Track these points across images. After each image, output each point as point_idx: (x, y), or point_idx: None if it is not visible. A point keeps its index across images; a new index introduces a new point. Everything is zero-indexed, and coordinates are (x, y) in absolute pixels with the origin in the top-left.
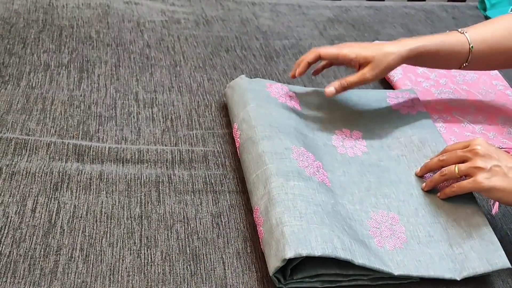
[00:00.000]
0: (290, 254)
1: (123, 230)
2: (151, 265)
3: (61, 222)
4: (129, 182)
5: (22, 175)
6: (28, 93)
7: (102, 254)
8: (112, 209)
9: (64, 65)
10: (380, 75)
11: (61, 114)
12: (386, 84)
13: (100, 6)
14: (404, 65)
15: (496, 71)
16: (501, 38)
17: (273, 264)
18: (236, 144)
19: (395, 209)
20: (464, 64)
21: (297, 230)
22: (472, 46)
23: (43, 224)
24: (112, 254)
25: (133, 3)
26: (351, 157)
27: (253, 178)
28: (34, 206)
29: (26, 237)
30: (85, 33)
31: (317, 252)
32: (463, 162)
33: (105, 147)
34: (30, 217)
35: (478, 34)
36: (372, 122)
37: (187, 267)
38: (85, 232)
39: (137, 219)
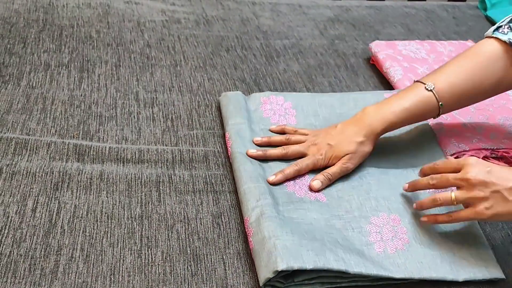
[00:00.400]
0: (282, 266)
1: (124, 230)
2: (152, 265)
3: (62, 222)
4: (130, 182)
5: (23, 175)
6: (28, 92)
7: (103, 254)
8: (113, 209)
9: (64, 64)
10: (359, 162)
11: (61, 114)
12: (387, 84)
13: (101, 5)
14: (405, 64)
15: None
16: (473, 80)
17: (264, 275)
18: (228, 151)
19: (396, 211)
20: (436, 117)
21: (289, 244)
22: (441, 104)
23: (44, 224)
24: (113, 254)
25: (134, 3)
26: None
27: (244, 189)
28: (34, 206)
29: (27, 237)
30: (86, 32)
31: (309, 265)
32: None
33: (105, 147)
34: (31, 217)
35: (446, 87)
36: None
37: (187, 267)
38: (85, 232)
39: (137, 219)
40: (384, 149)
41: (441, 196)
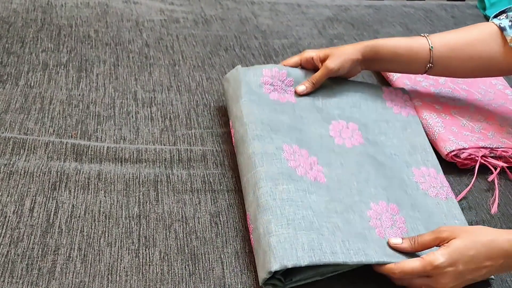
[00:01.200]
0: (275, 266)
1: (122, 229)
2: (149, 264)
3: (59, 222)
4: (128, 181)
5: (20, 174)
6: (26, 92)
7: (100, 254)
8: (111, 209)
9: (62, 64)
10: (342, 66)
11: (59, 114)
12: (386, 84)
13: (99, 5)
14: None
15: None
16: (467, 45)
17: (261, 275)
18: (233, 143)
19: (394, 200)
20: (428, 66)
21: (283, 239)
22: (432, 47)
23: (41, 224)
24: (110, 253)
25: (132, 2)
26: (349, 148)
27: (244, 181)
28: (32, 205)
29: (24, 236)
30: (84, 32)
31: (304, 262)
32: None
33: (103, 147)
34: (28, 216)
35: (441, 38)
36: (367, 117)
37: (185, 267)
38: (83, 231)
39: (135, 219)
40: (380, 144)
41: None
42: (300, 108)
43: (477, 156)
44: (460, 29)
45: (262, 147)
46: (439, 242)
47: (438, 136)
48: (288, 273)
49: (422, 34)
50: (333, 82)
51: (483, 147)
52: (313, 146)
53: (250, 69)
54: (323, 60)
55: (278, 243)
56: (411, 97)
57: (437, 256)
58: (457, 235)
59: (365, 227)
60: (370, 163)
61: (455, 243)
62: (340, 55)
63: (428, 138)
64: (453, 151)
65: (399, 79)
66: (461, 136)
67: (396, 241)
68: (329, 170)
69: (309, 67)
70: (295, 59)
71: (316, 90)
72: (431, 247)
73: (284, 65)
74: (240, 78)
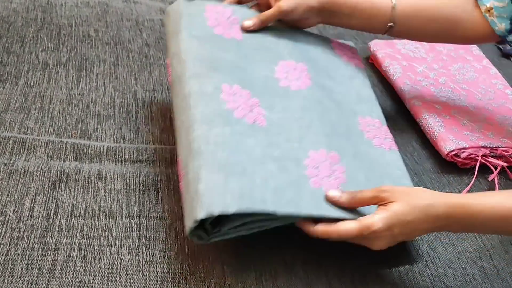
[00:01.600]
0: (201, 214)
1: (122, 229)
2: (150, 264)
3: (59, 221)
4: (128, 180)
5: (20, 174)
6: (26, 91)
7: (101, 253)
8: (111, 208)
9: (62, 63)
10: (296, 9)
11: (59, 113)
12: (386, 83)
13: (99, 4)
14: (404, 63)
15: (495, 70)
16: (434, 6)
17: (188, 224)
18: (169, 83)
19: (335, 148)
20: (389, 25)
21: (213, 185)
22: (395, 4)
23: (41, 223)
24: (111, 253)
25: (132, 2)
26: (294, 91)
27: (177, 124)
28: (32, 205)
29: (24, 236)
30: (84, 31)
31: (232, 209)
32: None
33: (103, 146)
34: (28, 216)
35: None
36: (317, 59)
37: (185, 266)
38: (83, 231)
39: (135, 218)
40: (328, 89)
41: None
42: (245, 46)
43: (477, 156)
44: None
45: (200, 86)
46: (377, 201)
47: (438, 136)
48: (215, 224)
49: None
50: (283, 26)
51: (483, 147)
52: (256, 87)
53: (193, 2)
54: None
55: (206, 190)
56: (410, 97)
57: (375, 221)
58: (396, 199)
59: (300, 176)
60: (315, 108)
61: (394, 207)
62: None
63: (428, 137)
64: (453, 150)
65: (400, 78)
66: (461, 135)
67: (334, 194)
68: (271, 113)
69: (263, 3)
70: None
71: (264, 30)
72: (369, 205)
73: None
74: (180, 11)
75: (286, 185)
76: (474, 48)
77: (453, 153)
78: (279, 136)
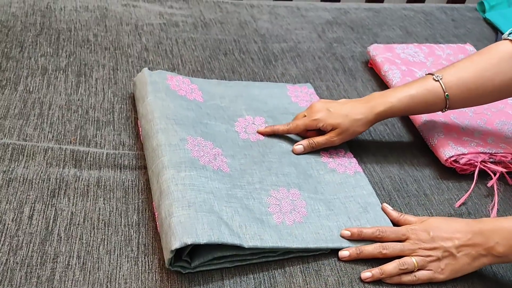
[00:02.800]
0: (175, 245)
1: (121, 237)
2: (149, 272)
3: (58, 229)
4: (127, 189)
5: (19, 181)
6: (25, 97)
7: (100, 262)
8: (110, 216)
9: (61, 69)
10: (347, 139)
11: (58, 119)
12: (385, 87)
13: (98, 9)
14: (403, 67)
15: None
16: (481, 78)
17: (165, 256)
18: (141, 141)
19: (296, 186)
20: (444, 110)
21: (184, 219)
22: (447, 95)
23: (40, 232)
24: (109, 261)
25: (131, 6)
26: (253, 142)
27: (149, 174)
28: (31, 213)
29: (23, 244)
30: (83, 36)
31: (203, 239)
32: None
33: (102, 153)
34: (27, 224)
35: (455, 79)
36: (274, 110)
37: (184, 275)
38: (82, 239)
39: (134, 227)
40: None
41: (405, 262)
42: (207, 107)
43: (477, 162)
44: (471, 57)
45: (166, 139)
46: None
47: (438, 142)
48: (196, 255)
49: (433, 75)
50: (240, 84)
51: (482, 153)
52: (218, 139)
53: (155, 72)
54: (330, 130)
55: (178, 223)
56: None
57: (409, 219)
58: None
59: (262, 213)
60: (275, 152)
61: (427, 220)
62: (347, 131)
63: (427, 143)
64: (452, 156)
65: (399, 83)
66: (460, 141)
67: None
68: (233, 161)
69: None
70: (301, 122)
71: (223, 91)
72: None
73: (292, 130)
74: (145, 80)
75: (251, 221)
76: (474, 51)
77: (452, 159)
78: (241, 179)
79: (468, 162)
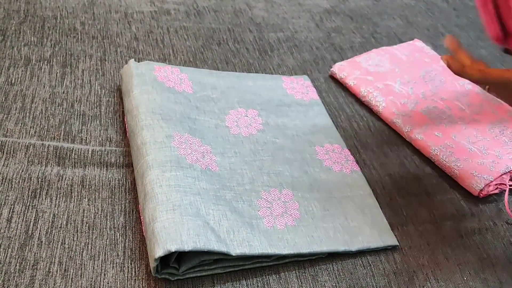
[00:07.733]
0: (159, 252)
1: (106, 241)
2: (135, 279)
3: (39, 233)
4: (113, 188)
5: None
6: (6, 90)
7: (83, 268)
8: (94, 219)
9: (46, 59)
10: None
11: (41, 113)
12: None
13: None
14: (379, 85)
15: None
16: None
17: (151, 264)
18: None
19: (289, 186)
20: None
21: (168, 224)
22: None
23: (20, 235)
24: (93, 268)
25: None
26: (245, 137)
27: (135, 174)
28: (10, 215)
29: (1, 250)
30: (69, 24)
31: (188, 246)
32: None
33: (88, 150)
34: (6, 227)
35: None
36: (268, 102)
37: (173, 282)
38: (64, 243)
39: (120, 230)
40: (282, 126)
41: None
42: (196, 99)
43: (505, 184)
44: None
45: (151, 136)
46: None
47: (460, 173)
48: (183, 260)
49: None
50: (233, 75)
51: (503, 174)
52: (207, 136)
53: (142, 63)
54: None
55: (162, 229)
56: (408, 130)
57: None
58: None
59: (253, 217)
60: (267, 150)
61: None
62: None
63: (449, 174)
64: (483, 188)
65: (386, 108)
66: (479, 167)
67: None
68: (223, 159)
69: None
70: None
71: (215, 82)
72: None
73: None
74: (131, 72)
75: (239, 226)
76: (425, 47)
77: (484, 192)
78: (231, 180)
79: (496, 189)
